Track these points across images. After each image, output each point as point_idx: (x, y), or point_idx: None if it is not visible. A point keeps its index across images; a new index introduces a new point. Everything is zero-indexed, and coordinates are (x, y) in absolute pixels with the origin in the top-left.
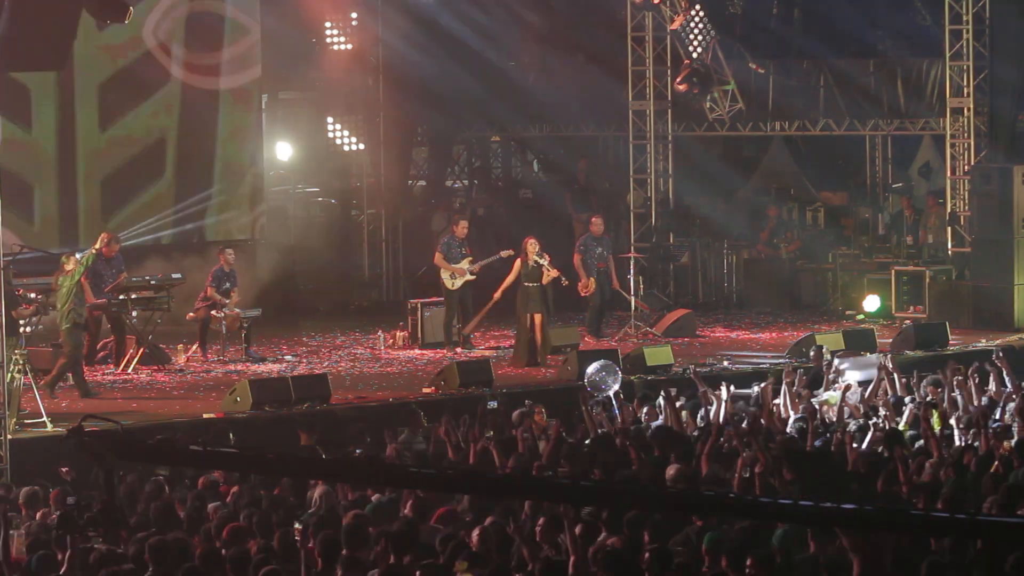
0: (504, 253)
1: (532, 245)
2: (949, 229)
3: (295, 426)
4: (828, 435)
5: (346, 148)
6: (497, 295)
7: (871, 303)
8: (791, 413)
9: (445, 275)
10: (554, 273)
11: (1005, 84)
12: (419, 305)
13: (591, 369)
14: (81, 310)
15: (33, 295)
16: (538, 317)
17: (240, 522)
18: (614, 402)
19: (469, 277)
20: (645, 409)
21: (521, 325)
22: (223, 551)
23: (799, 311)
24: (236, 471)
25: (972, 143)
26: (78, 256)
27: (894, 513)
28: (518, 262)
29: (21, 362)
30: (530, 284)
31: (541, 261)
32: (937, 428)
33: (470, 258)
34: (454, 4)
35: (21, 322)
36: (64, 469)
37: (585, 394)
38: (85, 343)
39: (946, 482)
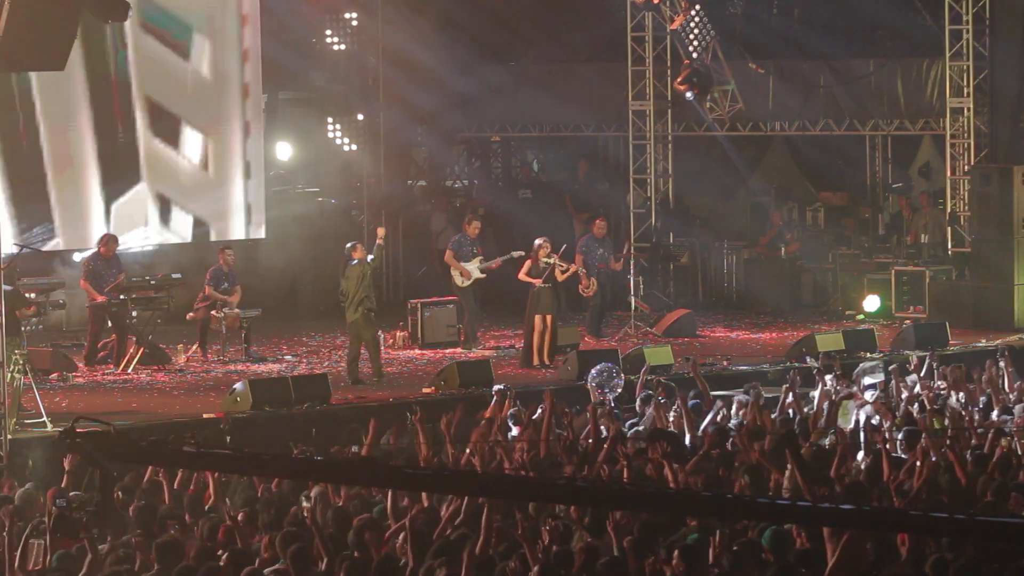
0: (516, 254)
1: (542, 248)
2: (949, 229)
3: (295, 430)
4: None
5: (346, 148)
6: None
7: (871, 303)
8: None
9: (455, 273)
10: (572, 268)
11: (1005, 84)
12: (419, 305)
13: (594, 371)
14: (373, 297)
15: (33, 295)
16: (548, 318)
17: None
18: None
19: (479, 275)
20: (648, 410)
21: (529, 326)
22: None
23: (799, 311)
24: (233, 472)
25: (972, 143)
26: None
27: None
28: (527, 263)
29: (21, 362)
30: (541, 285)
31: (551, 262)
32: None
33: (480, 257)
34: (455, 3)
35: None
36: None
37: (595, 395)
38: (87, 344)
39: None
